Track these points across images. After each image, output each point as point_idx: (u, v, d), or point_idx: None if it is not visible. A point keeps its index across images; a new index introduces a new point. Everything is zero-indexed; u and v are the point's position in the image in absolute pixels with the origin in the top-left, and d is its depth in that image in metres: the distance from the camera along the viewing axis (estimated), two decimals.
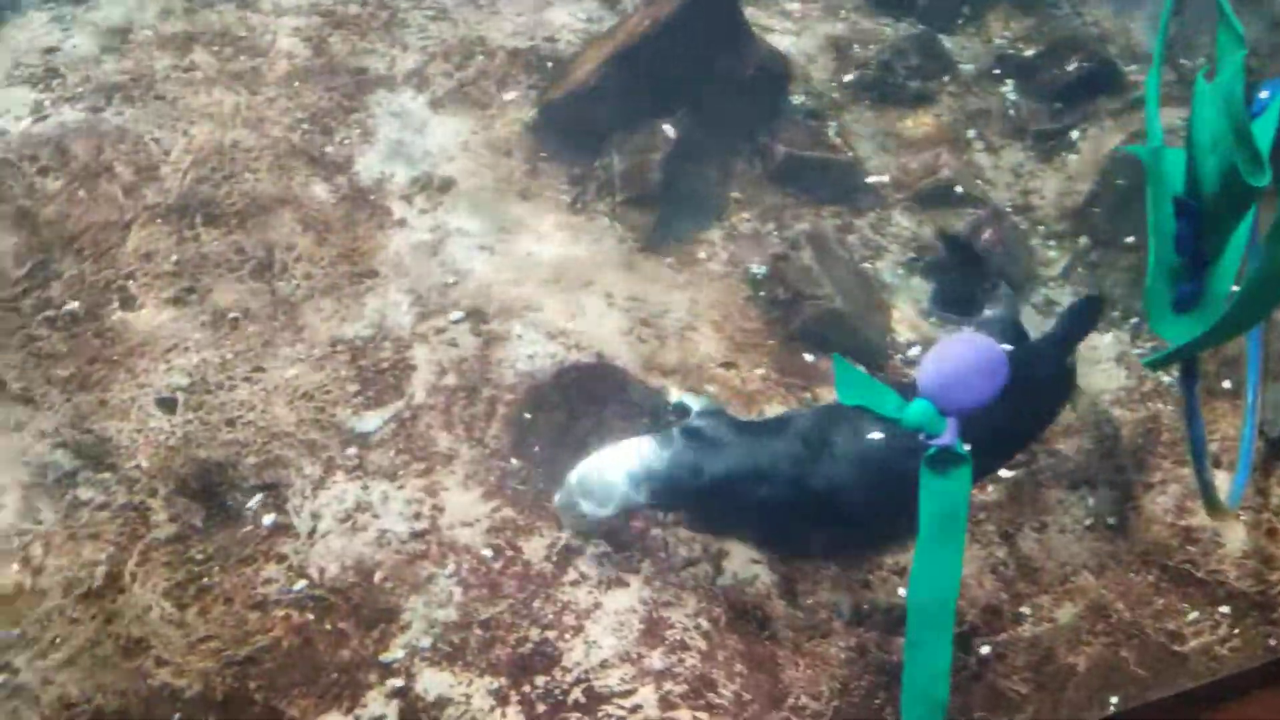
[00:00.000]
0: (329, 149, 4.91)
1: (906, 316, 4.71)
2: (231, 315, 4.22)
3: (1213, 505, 3.58)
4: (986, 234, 4.79)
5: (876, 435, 3.37)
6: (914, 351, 4.58)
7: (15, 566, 3.40)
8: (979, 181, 5.18)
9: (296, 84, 5.14)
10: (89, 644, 3.28)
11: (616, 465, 3.56)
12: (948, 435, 3.04)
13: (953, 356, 3.07)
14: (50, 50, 5.12)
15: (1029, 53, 5.52)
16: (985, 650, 3.66)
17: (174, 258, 4.35)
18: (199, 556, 3.54)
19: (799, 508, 3.55)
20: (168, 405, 3.90)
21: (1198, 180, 2.92)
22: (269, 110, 4.99)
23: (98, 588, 3.41)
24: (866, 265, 4.87)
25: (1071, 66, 5.40)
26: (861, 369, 4.10)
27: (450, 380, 4.13)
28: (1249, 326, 3.42)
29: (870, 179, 5.12)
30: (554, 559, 3.68)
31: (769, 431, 3.63)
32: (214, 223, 4.51)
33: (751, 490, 3.51)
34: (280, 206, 4.62)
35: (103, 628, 3.32)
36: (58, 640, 3.28)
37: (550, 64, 5.37)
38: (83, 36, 5.22)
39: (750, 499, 3.53)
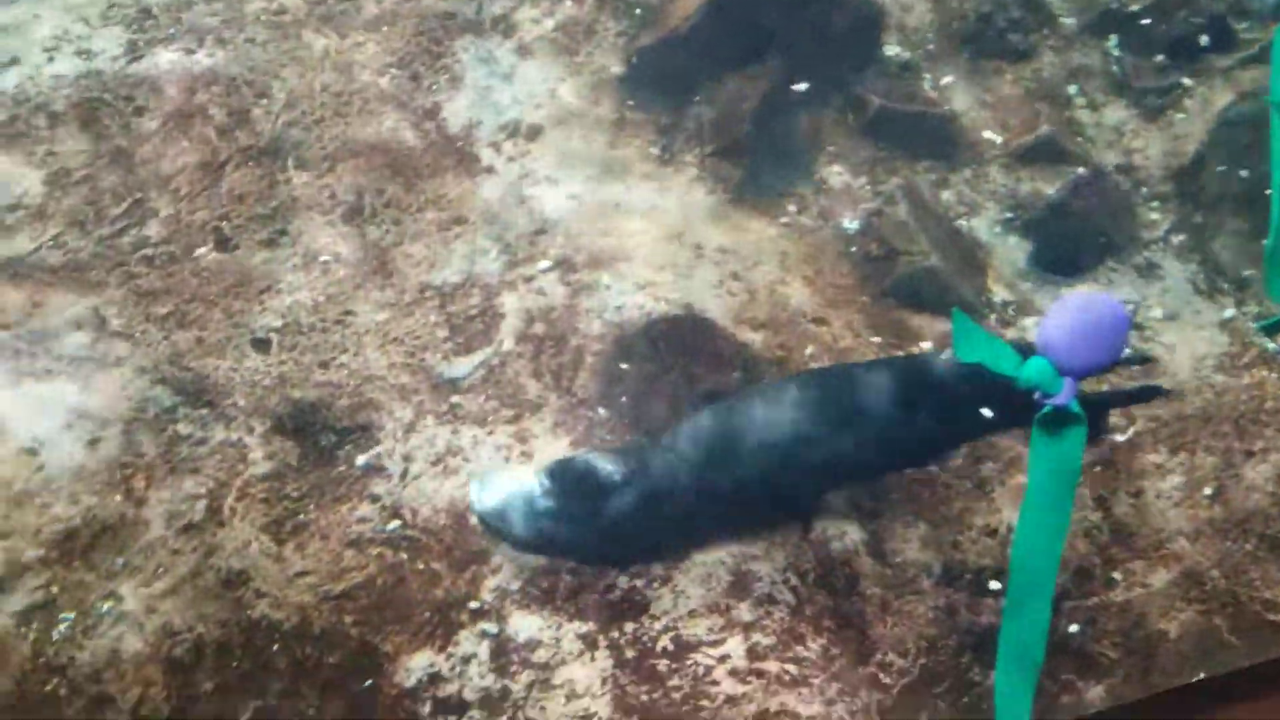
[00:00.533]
0: (417, 95, 4.89)
1: (1003, 276, 4.60)
2: (323, 259, 4.24)
3: None
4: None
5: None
6: (1010, 312, 4.49)
7: (118, 498, 3.46)
8: (1079, 139, 5.03)
9: (385, 28, 5.12)
10: (190, 575, 3.34)
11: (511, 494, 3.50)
12: (1064, 395, 2.96)
13: (1075, 315, 2.98)
14: None
15: (1134, 7, 5.31)
16: (1074, 614, 3.59)
17: (267, 200, 4.37)
18: (295, 494, 3.58)
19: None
20: (262, 345, 3.94)
21: None
22: (358, 55, 4.98)
23: (198, 521, 3.46)
24: (962, 222, 4.76)
25: (1179, 22, 5.20)
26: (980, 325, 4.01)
27: (539, 329, 4.12)
28: None
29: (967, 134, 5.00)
30: None
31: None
32: (305, 166, 4.52)
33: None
34: (370, 151, 4.61)
35: (203, 560, 3.38)
36: (160, 570, 3.34)
37: (639, 11, 5.28)
38: None
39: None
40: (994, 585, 3.61)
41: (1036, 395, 3.02)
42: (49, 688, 3.11)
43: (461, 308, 4.17)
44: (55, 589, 3.27)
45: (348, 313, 4.08)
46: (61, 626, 3.21)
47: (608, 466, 3.49)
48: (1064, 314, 3.00)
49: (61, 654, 3.16)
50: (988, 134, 4.98)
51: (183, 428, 3.68)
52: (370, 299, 4.15)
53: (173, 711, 3.12)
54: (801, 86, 4.83)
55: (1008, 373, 3.05)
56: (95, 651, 3.18)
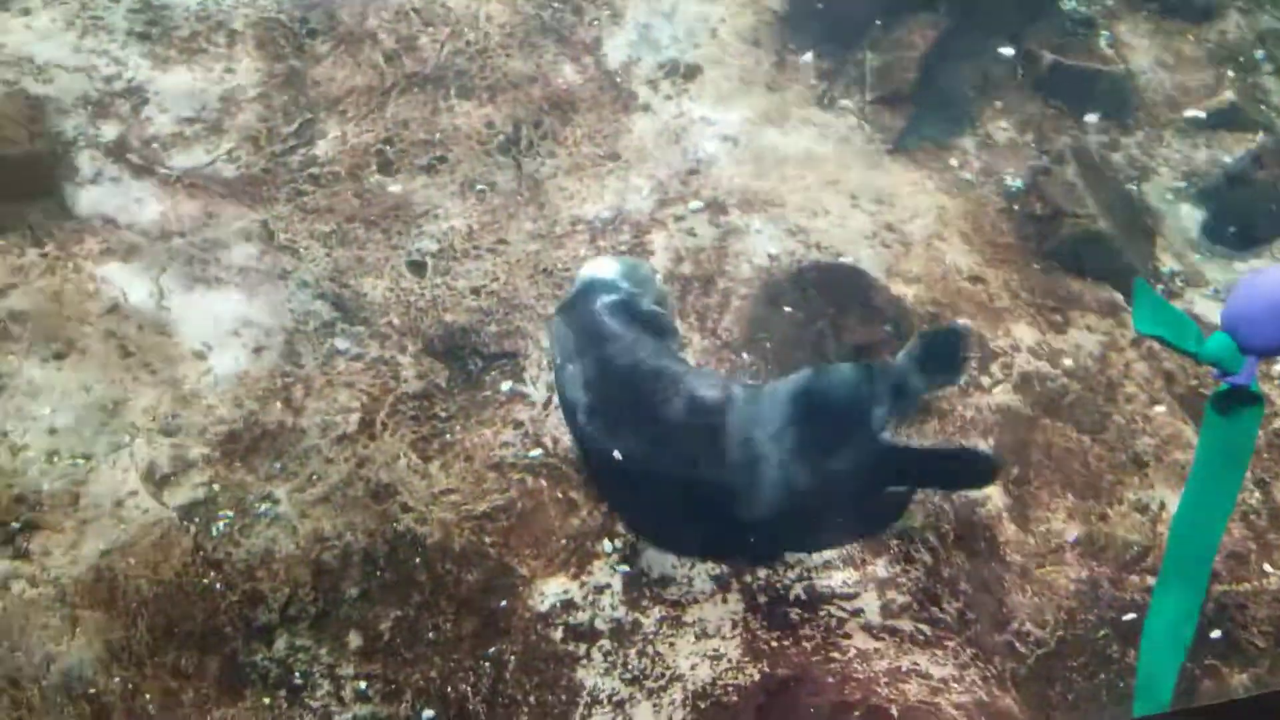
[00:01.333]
0: (579, 29, 4.89)
1: (1172, 245, 4.39)
2: (479, 187, 4.29)
3: None
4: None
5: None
6: (1178, 283, 4.29)
7: (279, 405, 3.60)
8: (1264, 107, 4.74)
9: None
10: (342, 484, 3.46)
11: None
12: (1244, 374, 2.81)
13: (1263, 290, 2.81)
14: None
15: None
16: (1225, 598, 3.45)
17: (429, 127, 4.44)
18: (442, 414, 3.66)
19: None
20: (418, 268, 4.03)
21: None
22: None
23: (351, 433, 3.58)
24: (1132, 187, 4.54)
25: None
26: (1163, 296, 3.85)
27: (686, 269, 4.10)
28: None
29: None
30: None
31: None
32: (467, 95, 4.57)
33: None
34: (529, 84, 4.64)
35: (355, 470, 3.49)
36: (314, 477, 3.47)
37: None
38: None
39: None
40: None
41: (1214, 373, 2.88)
42: (206, 581, 3.27)
43: (611, 243, 4.18)
44: (217, 487, 3.42)
45: (501, 241, 4.14)
46: (220, 524, 3.36)
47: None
48: (1252, 290, 2.83)
49: (219, 550, 3.32)
50: (1167, 96, 4.73)
51: (340, 343, 3.80)
52: (523, 229, 4.19)
53: (319, 613, 3.26)
54: (1008, 51, 4.63)
55: (1189, 348, 2.91)
56: (250, 549, 3.33)
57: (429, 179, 4.29)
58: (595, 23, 4.92)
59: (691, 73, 4.79)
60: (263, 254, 3.97)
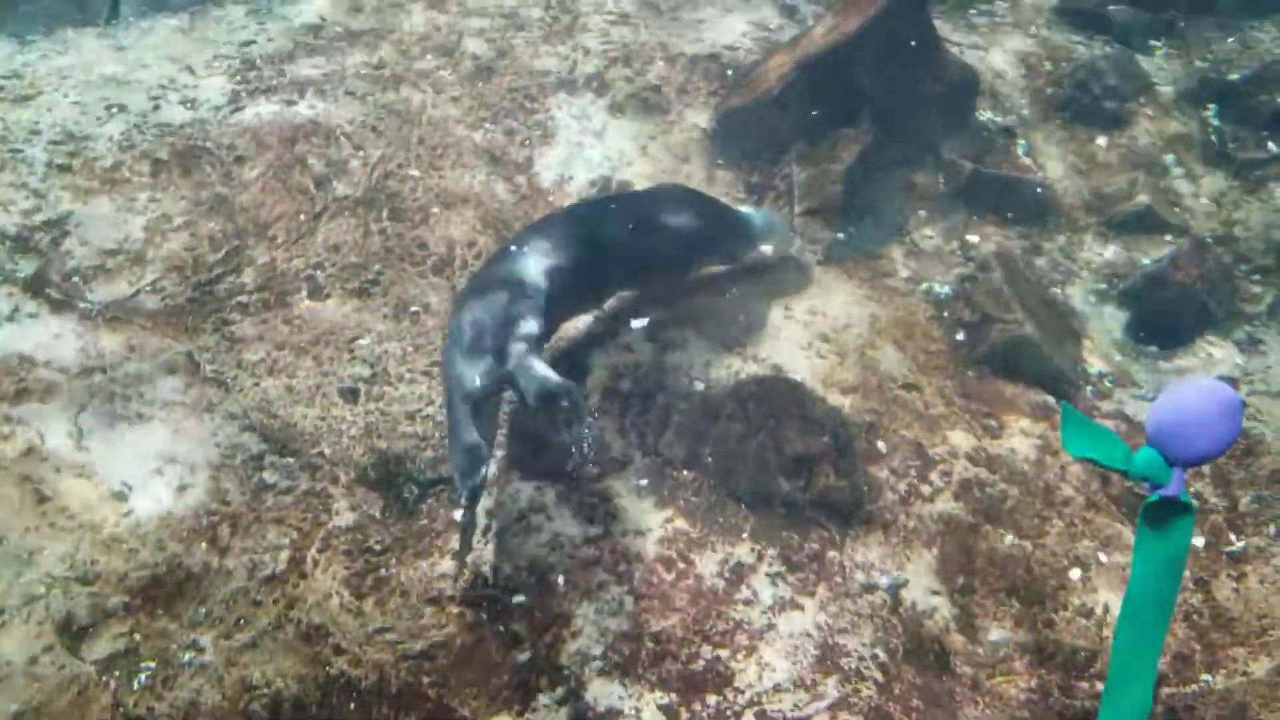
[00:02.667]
0: (510, 149, 4.93)
1: (1100, 347, 4.47)
2: (413, 309, 4.25)
3: None
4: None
5: None
6: (1106, 384, 4.36)
7: (204, 546, 3.47)
8: (1177, 210, 4.91)
9: (480, 84, 5.18)
10: (271, 627, 3.32)
11: None
12: (1173, 486, 2.84)
13: (1185, 403, 2.86)
14: (247, 44, 5.27)
15: (1234, 77, 5.21)
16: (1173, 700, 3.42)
17: (360, 250, 4.41)
18: (377, 547, 3.55)
19: None
20: (350, 395, 3.95)
21: None
22: (453, 109, 5.04)
23: (280, 572, 3.45)
24: (1056, 291, 4.65)
25: None
26: (1089, 417, 3.92)
27: (625, 385, 4.08)
28: None
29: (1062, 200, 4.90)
30: (726, 575, 3.59)
31: None
32: (399, 218, 4.56)
33: None
34: (462, 204, 4.65)
35: (284, 612, 3.35)
36: (241, 622, 3.32)
37: (730, 71, 5.30)
38: (277, 31, 5.36)
39: None
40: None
41: (1144, 486, 2.91)
42: None
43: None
44: (138, 637, 3.26)
45: (436, 364, 4.08)
46: (142, 676, 3.19)
47: None
48: (1172, 404, 2.88)
49: (141, 704, 3.14)
50: (1083, 202, 4.88)
51: (269, 475, 3.68)
52: None
53: None
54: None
55: (1119, 466, 2.94)
56: (174, 703, 3.16)
57: (361, 303, 4.24)
58: (527, 143, 4.97)
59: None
60: (188, 387, 3.87)
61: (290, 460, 3.73)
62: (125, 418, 3.75)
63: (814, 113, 4.90)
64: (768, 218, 4.55)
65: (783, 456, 3.83)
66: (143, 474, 3.61)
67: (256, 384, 3.92)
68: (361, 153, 4.75)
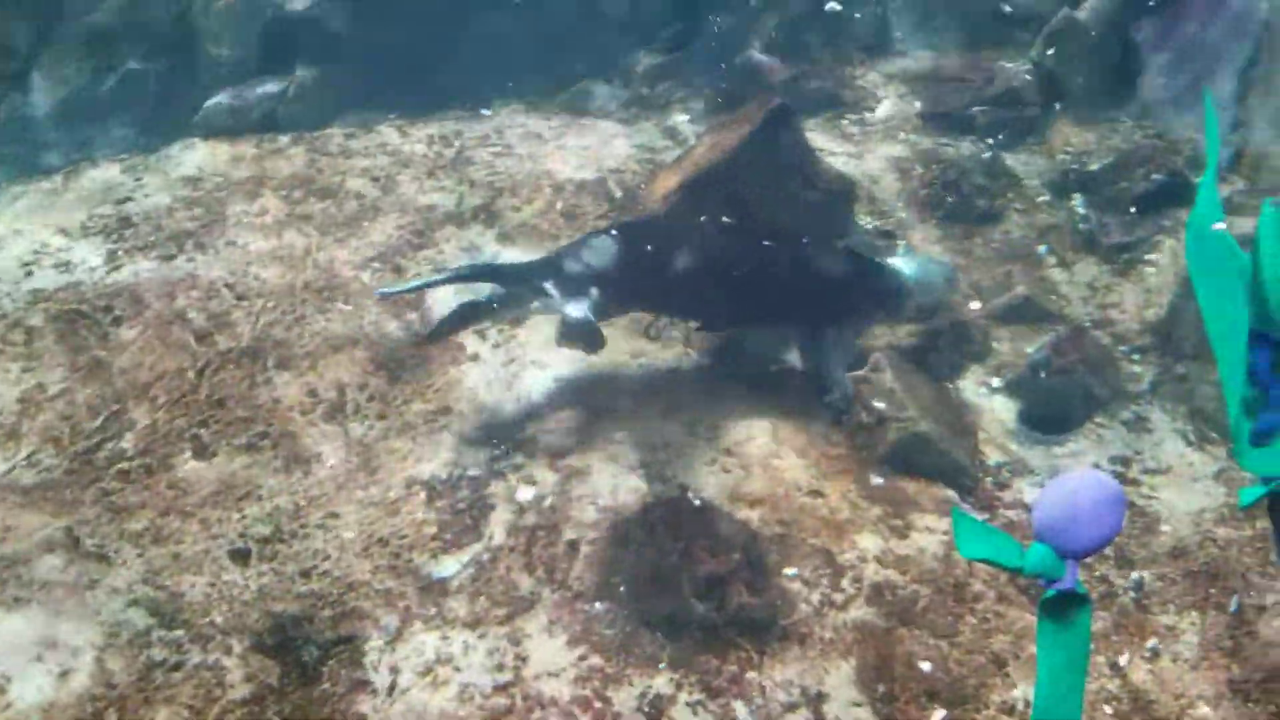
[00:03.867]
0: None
1: (994, 438, 4.55)
2: (304, 460, 4.15)
3: None
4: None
5: None
6: (1005, 474, 4.42)
7: None
8: (1054, 297, 5.07)
9: (366, 224, 5.18)
10: None
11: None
12: (1067, 579, 2.87)
13: (1067, 496, 2.91)
14: (123, 200, 5.21)
15: (1095, 166, 5.46)
16: None
17: (247, 403, 4.31)
18: (276, 718, 3.38)
19: None
20: (241, 557, 3.80)
21: (1271, 310, 2.80)
22: (339, 250, 5.01)
23: None
24: (948, 385, 4.73)
25: (1141, 179, 5.33)
26: (979, 518, 3.97)
27: (530, 519, 4.01)
28: None
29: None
30: (646, 710, 3.49)
31: None
32: (286, 365, 4.48)
33: None
34: (352, 346, 4.59)
35: None
36: None
37: (618, 195, 5.39)
38: (155, 185, 5.32)
39: None
40: None
41: (1042, 581, 2.93)
42: None
43: (449, 501, 4.07)
44: None
45: (331, 515, 3.97)
46: None
47: None
48: (1056, 497, 2.93)
49: None
50: (965, 295, 5.02)
51: (157, 652, 3.50)
52: (354, 499, 4.04)
53: None
54: None
55: (1013, 564, 2.96)
56: None
57: (249, 458, 4.13)
58: (417, 278, 4.96)
59: (519, 319, 4.84)
60: (68, 564, 3.69)
61: (179, 633, 3.56)
62: (1, 603, 3.55)
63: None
64: (921, 265, 4.64)
65: (695, 578, 3.77)
66: (22, 662, 3.40)
67: (140, 555, 3.76)
68: (245, 302, 4.68)
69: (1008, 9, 6.02)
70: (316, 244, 5.06)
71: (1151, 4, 5.74)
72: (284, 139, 5.55)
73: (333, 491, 4.05)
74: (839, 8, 5.35)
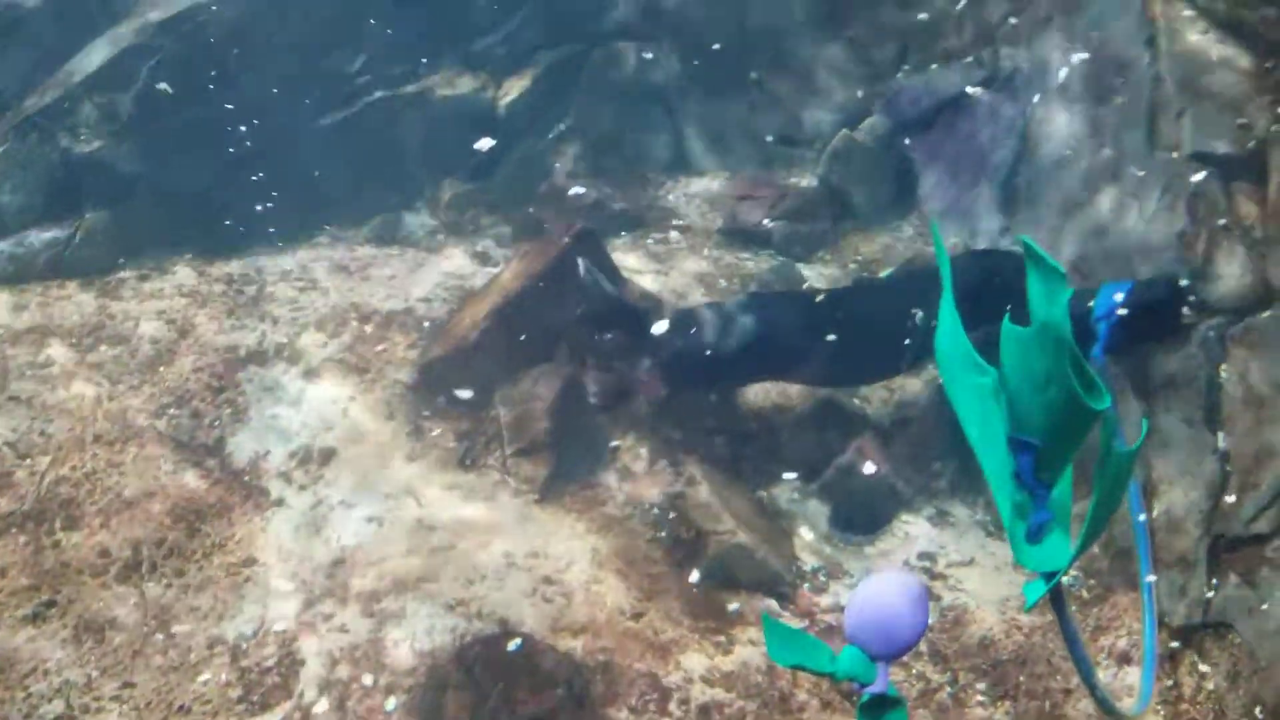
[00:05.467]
0: (198, 432, 4.72)
1: (808, 542, 4.67)
2: (97, 627, 3.89)
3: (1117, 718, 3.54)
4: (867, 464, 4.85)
5: None
6: (821, 578, 4.53)
7: None
8: (856, 399, 5.29)
9: (162, 369, 4.98)
10: None
11: None
12: (879, 682, 2.93)
13: (873, 599, 3.00)
14: None
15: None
16: None
17: (32, 570, 4.02)
18: None
19: None
20: None
21: (1024, 417, 2.99)
22: (133, 399, 4.80)
23: None
24: (763, 493, 4.85)
25: None
26: (792, 624, 4.05)
27: (343, 671, 3.85)
28: (1097, 537, 3.49)
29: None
30: None
31: None
32: (75, 525, 4.22)
33: None
34: (147, 500, 4.37)
35: None
36: None
37: (427, 323, 5.37)
38: None
39: None
40: None
41: (855, 685, 2.99)
42: None
43: (255, 660, 3.87)
44: None
45: (126, 685, 3.72)
46: None
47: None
48: (862, 603, 3.02)
49: None
50: (771, 404, 5.18)
51: None
52: (152, 666, 3.80)
53: None
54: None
55: (825, 669, 3.02)
56: None
57: (35, 630, 3.84)
58: (217, 423, 4.78)
59: (326, 457, 4.72)
60: None
61: None
62: None
63: (513, 354, 5.01)
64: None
65: (518, 717, 3.69)
66: None
67: None
68: (28, 461, 4.41)
69: (769, 138, 6.42)
70: (108, 393, 4.83)
71: (922, 122, 6.20)
72: (72, 285, 5.33)
73: (128, 659, 3.80)
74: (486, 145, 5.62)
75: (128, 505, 4.32)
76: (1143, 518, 4.12)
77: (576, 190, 6.11)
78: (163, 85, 5.44)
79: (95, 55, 5.54)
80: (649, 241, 6.07)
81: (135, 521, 4.27)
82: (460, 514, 4.54)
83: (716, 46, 6.25)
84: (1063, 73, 5.41)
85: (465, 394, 4.89)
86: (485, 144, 5.50)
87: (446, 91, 6.12)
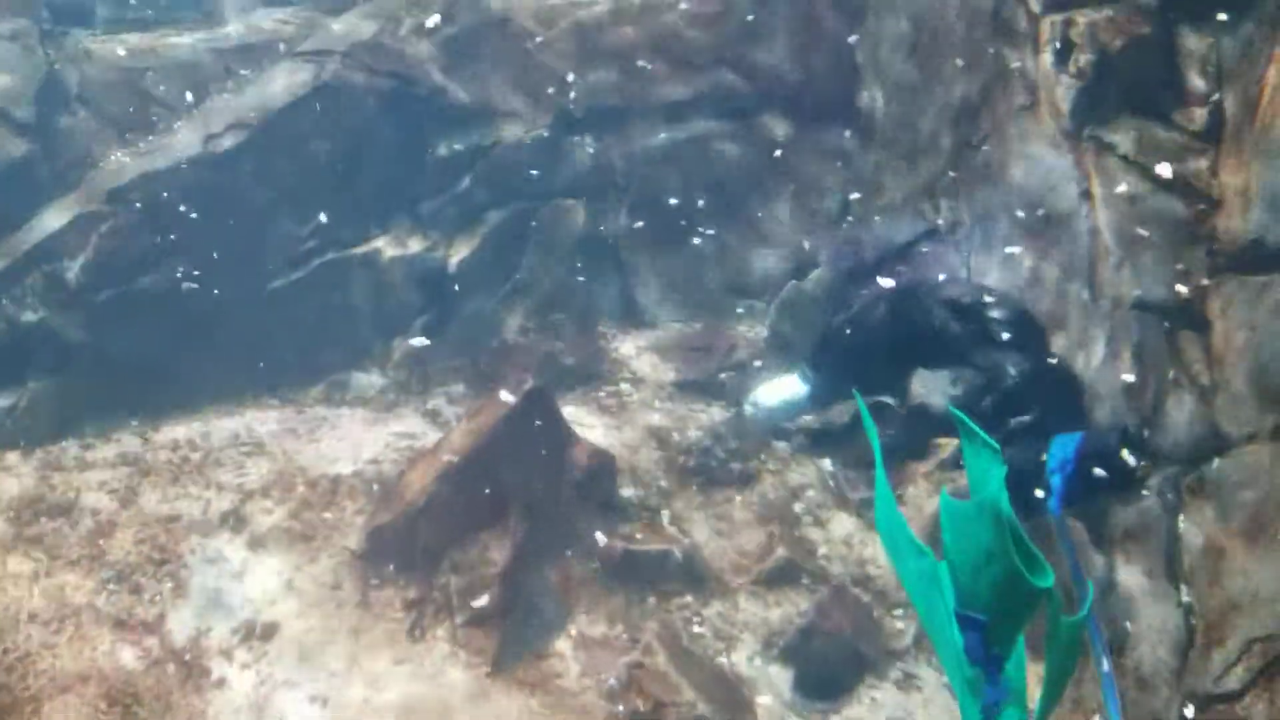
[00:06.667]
0: (138, 608, 4.56)
1: (772, 711, 4.54)
2: None
3: None
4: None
5: None
6: None
7: None
8: (814, 556, 5.23)
9: (101, 541, 4.83)
10: None
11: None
12: None
13: None
14: None
15: (839, 424, 5.80)
16: None
17: None
18: None
19: None
20: None
21: (970, 593, 2.97)
22: (71, 575, 4.64)
23: None
24: (723, 660, 4.73)
25: (881, 433, 5.65)
26: None
27: None
28: (1053, 708, 3.43)
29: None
30: None
31: None
32: (8, 712, 4.01)
33: None
34: (83, 683, 4.18)
35: None
36: None
37: (375, 486, 5.27)
38: None
39: None
40: None
41: None
42: None
43: None
44: None
45: None
46: None
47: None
48: None
49: None
50: (730, 564, 5.11)
51: None
52: None
53: None
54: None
55: None
56: None
57: None
58: (157, 598, 4.62)
59: (269, 632, 4.55)
60: None
61: None
62: None
63: (463, 517, 4.91)
64: None
65: None
66: None
67: None
68: None
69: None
70: (46, 568, 4.67)
71: (868, 272, 6.31)
72: (12, 456, 5.20)
73: None
74: None
75: (62, 691, 4.13)
76: (1107, 668, 4.07)
77: (528, 345, 6.14)
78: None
79: (45, 223, 5.54)
80: (601, 394, 6.06)
81: (70, 708, 4.08)
82: (409, 692, 4.38)
83: (670, 201, 6.39)
84: (1003, 226, 5.56)
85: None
86: None
87: (397, 252, 6.16)
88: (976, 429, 2.98)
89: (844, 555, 5.21)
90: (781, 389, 5.27)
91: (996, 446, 2.92)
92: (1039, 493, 4.39)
